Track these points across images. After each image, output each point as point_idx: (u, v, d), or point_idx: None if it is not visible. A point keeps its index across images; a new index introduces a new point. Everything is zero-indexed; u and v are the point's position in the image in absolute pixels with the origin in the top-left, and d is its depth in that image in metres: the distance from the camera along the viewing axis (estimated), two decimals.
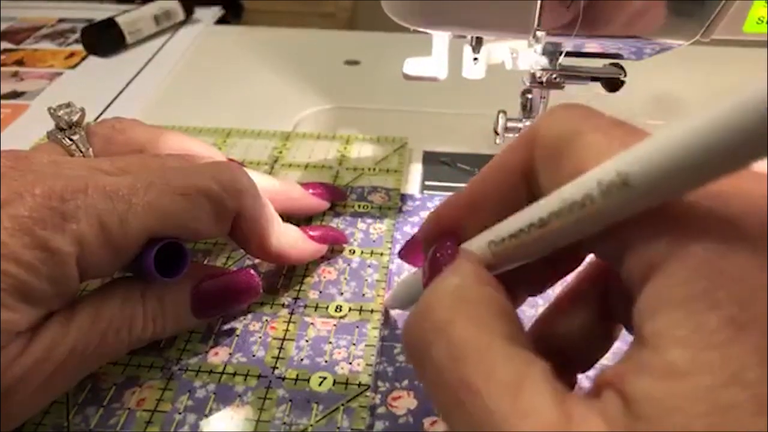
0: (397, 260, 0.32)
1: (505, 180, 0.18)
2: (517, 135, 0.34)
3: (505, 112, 0.34)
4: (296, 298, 0.29)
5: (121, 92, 0.50)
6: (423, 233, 0.21)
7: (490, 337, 0.15)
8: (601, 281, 0.20)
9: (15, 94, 0.50)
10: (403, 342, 0.18)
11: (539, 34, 0.27)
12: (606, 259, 0.17)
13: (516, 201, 0.18)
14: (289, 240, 0.28)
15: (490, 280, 0.17)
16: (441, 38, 0.32)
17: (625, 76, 0.31)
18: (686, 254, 0.13)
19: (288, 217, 0.29)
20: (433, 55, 0.33)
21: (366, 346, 0.27)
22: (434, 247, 0.20)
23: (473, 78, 0.33)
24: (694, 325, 0.12)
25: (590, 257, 0.21)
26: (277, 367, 0.26)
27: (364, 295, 0.29)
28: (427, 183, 0.38)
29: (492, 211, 0.19)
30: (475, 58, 0.32)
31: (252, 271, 0.27)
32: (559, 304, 0.21)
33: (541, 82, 0.31)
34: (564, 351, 0.20)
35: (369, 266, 0.31)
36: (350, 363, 0.26)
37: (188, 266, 0.24)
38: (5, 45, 0.59)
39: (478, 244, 0.18)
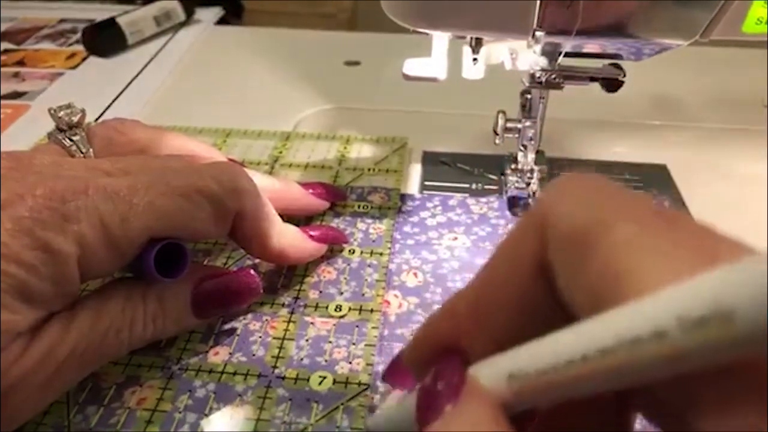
0: (397, 260, 0.32)
1: (516, 278, 0.15)
2: (516, 136, 0.35)
3: (504, 113, 0.34)
4: (296, 298, 0.29)
5: (121, 93, 0.50)
6: (414, 350, 0.17)
7: None
8: None
9: (16, 95, 0.50)
10: None
11: (538, 34, 0.27)
12: (660, 406, 0.13)
13: (533, 303, 0.14)
14: (289, 240, 0.28)
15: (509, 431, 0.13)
16: (441, 39, 0.32)
17: (624, 76, 0.31)
18: None
19: (288, 217, 0.29)
20: (433, 56, 0.33)
21: (366, 345, 0.27)
22: (433, 371, 0.15)
23: (473, 78, 0.33)
24: None
25: None
26: (277, 367, 0.26)
27: (363, 294, 0.29)
28: (426, 183, 0.38)
29: (504, 318, 0.15)
30: (475, 59, 0.32)
31: (252, 271, 0.27)
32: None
33: (541, 83, 0.31)
34: None
35: (369, 266, 0.31)
36: (350, 362, 0.26)
37: (188, 267, 0.25)
38: (6, 45, 0.59)
39: (493, 374, 0.14)
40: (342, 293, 0.29)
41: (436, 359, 0.16)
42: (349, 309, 0.28)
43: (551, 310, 0.14)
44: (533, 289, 0.14)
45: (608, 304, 0.11)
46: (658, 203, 0.13)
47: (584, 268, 0.13)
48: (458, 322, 0.16)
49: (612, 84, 0.31)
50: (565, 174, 0.15)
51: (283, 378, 0.25)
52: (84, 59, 0.57)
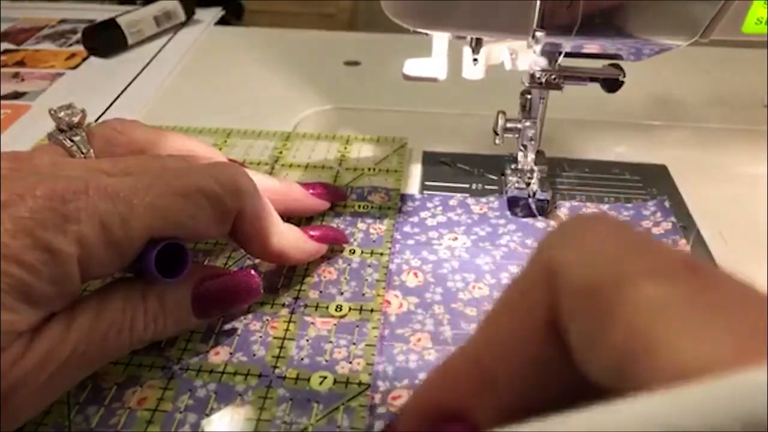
0: (397, 260, 0.32)
1: (524, 334, 0.13)
2: (516, 136, 0.35)
3: (504, 113, 0.34)
4: (296, 298, 0.29)
5: (121, 93, 0.51)
6: (411, 417, 0.14)
7: None
8: None
9: (16, 95, 0.50)
10: None
11: (538, 34, 0.27)
12: None
13: (543, 361, 0.13)
14: (290, 240, 0.28)
15: None
16: (441, 39, 0.33)
17: (624, 76, 0.31)
18: None
19: (288, 217, 0.29)
20: (433, 56, 0.33)
21: (366, 345, 0.27)
22: None
23: (473, 78, 0.33)
24: None
25: None
26: (278, 367, 0.26)
27: (364, 294, 0.29)
28: (426, 183, 0.38)
29: (513, 381, 0.13)
30: (475, 59, 0.32)
31: (252, 272, 0.27)
32: None
33: (541, 83, 0.31)
34: None
35: (369, 266, 0.31)
36: (350, 362, 0.26)
37: (189, 267, 0.25)
38: (6, 45, 0.59)
39: None
40: (342, 293, 0.29)
41: (438, 427, 0.14)
42: (350, 309, 0.28)
43: (564, 367, 0.12)
44: (543, 346, 0.13)
45: (634, 379, 0.10)
46: (687, 254, 0.11)
47: (604, 330, 0.11)
48: (460, 383, 0.14)
49: (612, 84, 0.31)
50: (574, 216, 0.12)
51: (284, 378, 0.25)
52: (84, 59, 0.57)
